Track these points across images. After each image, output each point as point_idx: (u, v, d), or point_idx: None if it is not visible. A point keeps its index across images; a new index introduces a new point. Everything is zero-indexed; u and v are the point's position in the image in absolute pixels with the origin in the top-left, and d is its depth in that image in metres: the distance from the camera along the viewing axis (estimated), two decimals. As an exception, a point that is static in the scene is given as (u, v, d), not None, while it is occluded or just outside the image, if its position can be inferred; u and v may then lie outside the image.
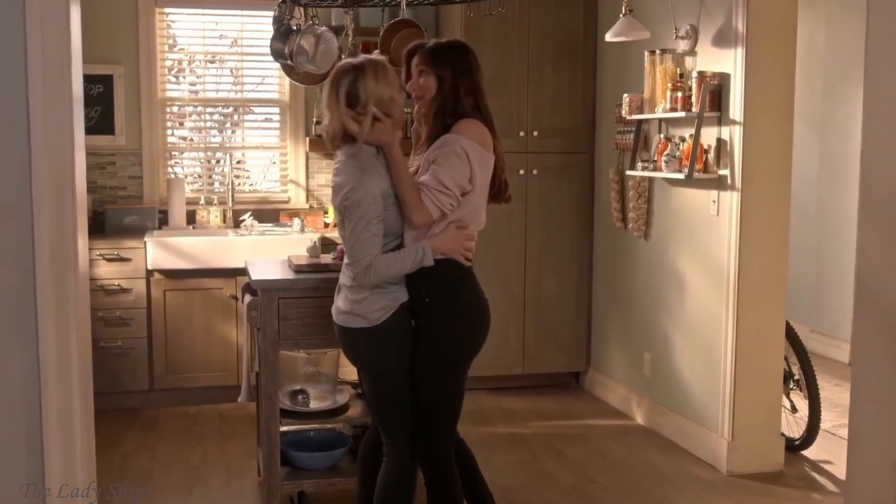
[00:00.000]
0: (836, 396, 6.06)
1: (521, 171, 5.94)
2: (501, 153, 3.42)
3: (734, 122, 4.55)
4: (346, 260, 3.34)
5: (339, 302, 3.36)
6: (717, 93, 4.64)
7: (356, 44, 4.44)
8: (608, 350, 5.96)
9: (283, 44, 4.47)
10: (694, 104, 4.70)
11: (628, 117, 5.25)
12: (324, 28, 4.37)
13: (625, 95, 5.26)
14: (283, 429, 4.07)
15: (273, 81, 6.49)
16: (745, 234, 4.54)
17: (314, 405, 4.17)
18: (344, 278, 3.35)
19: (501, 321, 6.00)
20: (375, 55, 3.34)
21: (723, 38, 4.62)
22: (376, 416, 3.39)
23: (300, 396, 4.18)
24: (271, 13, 6.04)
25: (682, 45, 4.92)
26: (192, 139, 6.45)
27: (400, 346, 3.29)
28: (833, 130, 7.11)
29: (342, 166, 3.27)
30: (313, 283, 3.92)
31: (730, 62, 4.57)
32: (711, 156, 4.72)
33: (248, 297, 4.06)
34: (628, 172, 5.33)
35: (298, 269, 4.03)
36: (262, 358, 3.95)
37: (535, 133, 5.95)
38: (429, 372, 3.30)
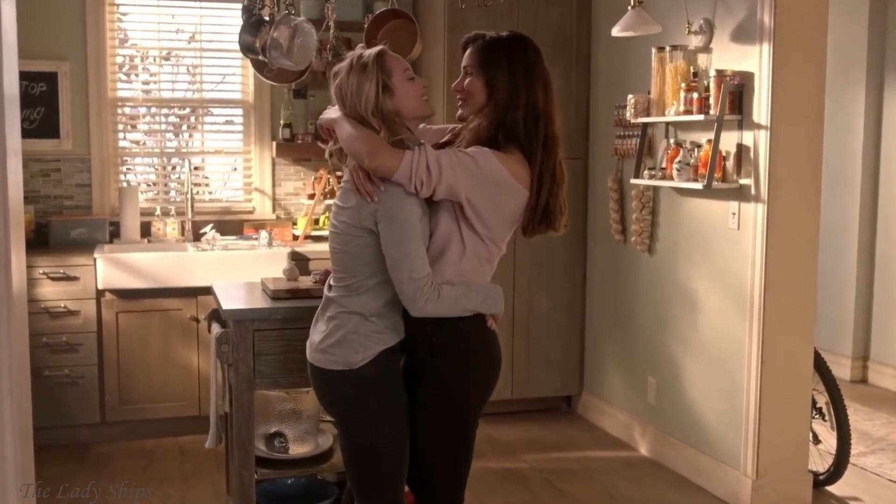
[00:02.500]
0: (846, 419, 5.64)
1: (510, 179, 5.44)
2: (563, 192, 2.85)
3: (759, 126, 4.09)
4: (333, 282, 2.84)
5: (315, 335, 2.84)
6: (737, 94, 4.19)
7: (337, 36, 3.91)
8: (605, 373, 5.49)
9: (254, 37, 3.93)
10: (712, 106, 4.23)
11: (634, 120, 4.77)
12: (301, 18, 3.84)
13: (630, 96, 4.78)
14: (258, 478, 3.53)
15: (235, 80, 5.93)
16: (771, 250, 4.09)
17: (294, 450, 3.64)
18: (326, 307, 2.84)
19: (489, 342, 5.50)
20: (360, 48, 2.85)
21: (744, 33, 4.16)
22: (350, 474, 2.86)
23: (277, 440, 3.63)
24: (233, 5, 5.50)
25: (695, 41, 4.46)
26: (145, 143, 5.87)
27: (383, 394, 2.78)
28: (833, 134, 6.70)
29: None
30: (294, 312, 3.38)
31: (753, 60, 4.11)
32: (731, 163, 4.26)
33: (216, 328, 3.52)
34: (632, 181, 4.85)
35: (276, 296, 3.49)
36: (235, 399, 3.41)
37: (525, 137, 5.45)
38: (435, 424, 2.81)
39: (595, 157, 5.49)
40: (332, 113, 2.79)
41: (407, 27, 3.81)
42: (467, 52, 2.85)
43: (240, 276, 4.78)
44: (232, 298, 3.53)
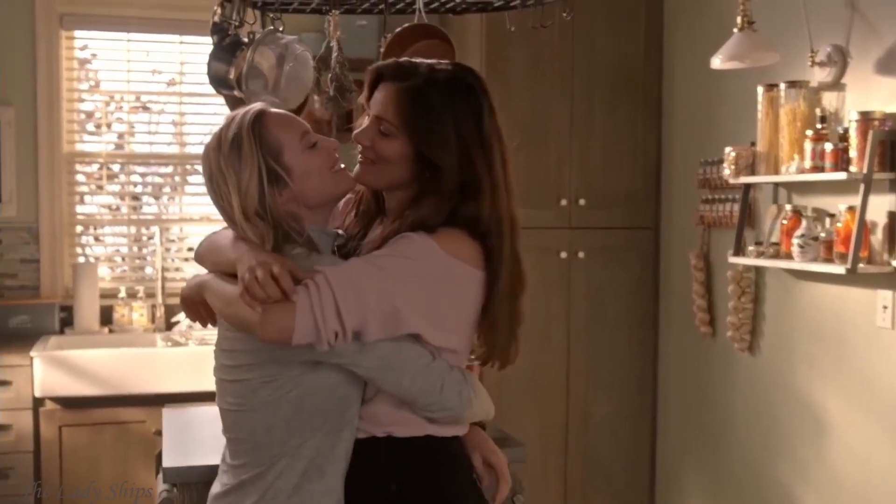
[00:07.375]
0: None
1: (563, 254, 4.33)
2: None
3: (925, 188, 2.97)
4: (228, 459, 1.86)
5: None
6: (888, 143, 3.06)
7: (343, 63, 2.80)
8: (684, 500, 4.31)
9: (229, 64, 2.82)
10: (854, 161, 3.11)
11: (733, 181, 3.64)
12: (292, 37, 2.74)
13: (728, 149, 3.65)
14: None
15: (223, 131, 4.85)
16: (948, 360, 2.93)
17: None
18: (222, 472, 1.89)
19: (537, 456, 4.32)
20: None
21: (898, 62, 3.06)
22: None
23: None
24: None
25: (821, 75, 3.35)
26: (119, 208, 4.78)
27: None
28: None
29: None
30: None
31: (915, 97, 3.00)
32: (879, 238, 3.13)
33: (161, 487, 2.38)
34: (731, 259, 3.70)
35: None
36: None
37: (582, 201, 4.34)
38: None
39: (670, 227, 4.37)
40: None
41: (442, 50, 2.72)
42: (384, 90, 1.84)
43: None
44: (181, 444, 2.39)
